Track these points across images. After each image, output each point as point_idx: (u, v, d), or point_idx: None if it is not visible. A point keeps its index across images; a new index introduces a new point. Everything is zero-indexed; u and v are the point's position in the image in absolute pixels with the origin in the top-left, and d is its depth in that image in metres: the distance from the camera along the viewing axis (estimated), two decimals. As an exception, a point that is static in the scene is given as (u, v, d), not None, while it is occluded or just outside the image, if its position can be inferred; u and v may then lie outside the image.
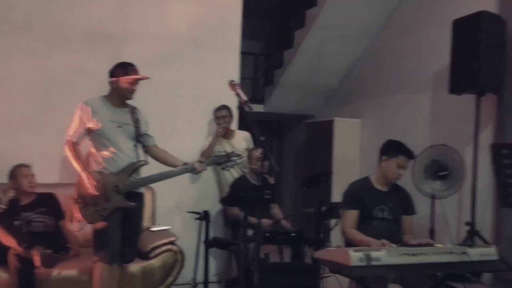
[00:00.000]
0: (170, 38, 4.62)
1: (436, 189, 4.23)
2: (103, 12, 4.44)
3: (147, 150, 3.39)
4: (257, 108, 7.17)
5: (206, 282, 3.86)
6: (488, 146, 1.91)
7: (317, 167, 6.30)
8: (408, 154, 3.30)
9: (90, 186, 3.09)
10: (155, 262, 3.78)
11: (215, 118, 4.58)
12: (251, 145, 4.58)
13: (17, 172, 3.68)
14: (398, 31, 5.81)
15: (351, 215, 3.30)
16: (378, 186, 3.37)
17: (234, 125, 4.71)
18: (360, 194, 3.32)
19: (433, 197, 4.25)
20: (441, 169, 4.22)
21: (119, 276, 3.30)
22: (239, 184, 4.36)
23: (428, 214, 4.29)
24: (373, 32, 6.16)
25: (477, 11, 4.31)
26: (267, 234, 3.80)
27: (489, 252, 2.83)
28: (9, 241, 3.43)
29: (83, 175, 3.12)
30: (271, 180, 4.63)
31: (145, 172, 3.34)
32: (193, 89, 4.61)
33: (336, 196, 5.77)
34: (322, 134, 6.57)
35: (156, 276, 3.78)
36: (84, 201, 3.13)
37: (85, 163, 3.20)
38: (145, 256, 3.76)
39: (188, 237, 4.07)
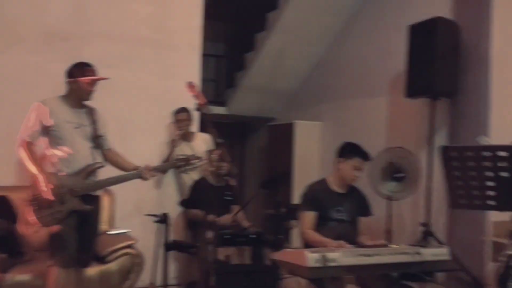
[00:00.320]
0: (130, 38, 4.57)
1: (392, 191, 4.32)
2: (60, 11, 4.36)
3: (102, 152, 3.35)
4: (220, 110, 7.17)
5: (165, 285, 3.83)
6: (437, 149, 1.97)
7: (278, 169, 6.34)
8: (363, 155, 3.37)
9: (46, 190, 3.01)
10: (112, 266, 3.73)
11: (175, 121, 4.55)
12: (212, 147, 4.58)
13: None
14: (358, 36, 5.91)
15: (309, 217, 3.34)
16: (335, 188, 3.42)
17: (194, 127, 4.70)
18: (317, 195, 3.37)
19: (389, 198, 4.35)
20: (397, 171, 4.32)
21: (75, 281, 3.23)
22: (199, 186, 4.35)
23: (385, 215, 4.39)
24: (333, 36, 6.25)
25: (433, 17, 4.43)
26: (226, 237, 3.81)
27: (441, 252, 2.93)
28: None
29: (40, 178, 3.04)
30: (232, 182, 4.63)
31: (103, 174, 3.28)
32: (153, 91, 4.58)
33: (297, 198, 5.82)
34: (283, 136, 6.62)
35: (114, 280, 3.74)
36: (39, 204, 3.05)
37: (40, 165, 3.12)
38: (102, 260, 3.71)
39: (148, 241, 4.02)
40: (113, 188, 3.64)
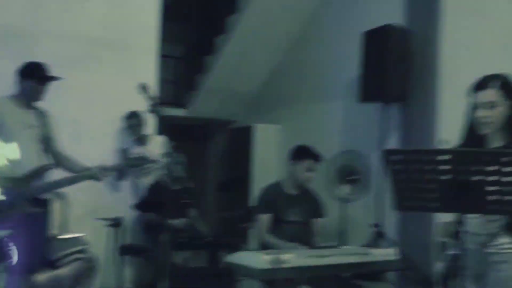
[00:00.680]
0: (84, 38, 4.49)
1: (346, 193, 4.42)
2: (13, 8, 4.24)
3: (52, 155, 3.27)
4: (180, 112, 7.13)
5: (119, 289, 3.79)
6: (381, 152, 2.03)
7: (237, 172, 6.36)
8: (314, 157, 3.45)
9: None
10: (64, 271, 3.65)
11: (127, 126, 4.52)
12: (167, 150, 4.54)
13: None
14: (315, 41, 6.01)
15: (264, 219, 3.38)
16: (289, 190, 3.47)
17: (149, 129, 4.66)
18: (272, 198, 3.42)
19: (343, 200, 4.44)
20: (350, 174, 4.42)
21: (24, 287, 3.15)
22: (155, 189, 4.32)
23: (339, 216, 4.47)
24: (292, 41, 6.33)
25: (385, 24, 4.55)
26: (182, 240, 3.80)
27: (390, 253, 3.03)
28: None
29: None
30: (189, 185, 4.61)
31: (54, 177, 3.22)
32: (107, 92, 4.50)
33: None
34: (243, 139, 6.64)
35: (65, 286, 3.65)
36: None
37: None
38: (52, 264, 3.62)
39: (102, 245, 3.96)
40: (68, 192, 3.56)
